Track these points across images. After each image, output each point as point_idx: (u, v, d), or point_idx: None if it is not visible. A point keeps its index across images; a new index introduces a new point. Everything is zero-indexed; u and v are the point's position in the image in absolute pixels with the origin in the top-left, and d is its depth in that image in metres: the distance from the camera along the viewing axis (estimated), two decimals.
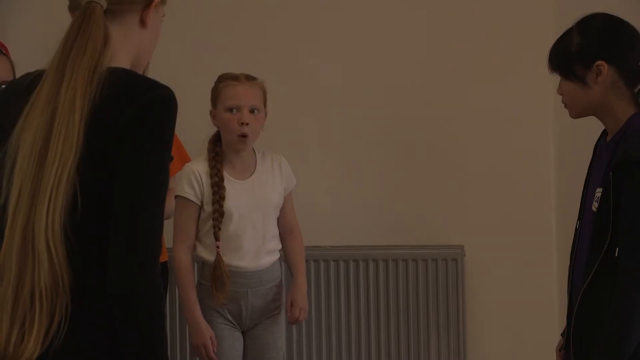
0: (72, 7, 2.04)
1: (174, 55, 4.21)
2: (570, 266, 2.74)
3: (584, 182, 2.74)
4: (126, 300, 1.88)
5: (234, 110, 3.48)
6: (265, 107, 3.54)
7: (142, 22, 2.07)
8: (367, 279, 4.16)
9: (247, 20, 4.24)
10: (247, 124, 3.46)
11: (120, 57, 2.03)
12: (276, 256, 3.58)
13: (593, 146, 2.74)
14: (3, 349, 1.86)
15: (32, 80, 2.00)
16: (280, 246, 3.61)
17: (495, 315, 4.23)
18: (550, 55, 2.66)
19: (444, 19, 4.21)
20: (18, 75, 2.35)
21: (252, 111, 3.49)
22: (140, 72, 2.11)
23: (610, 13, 2.66)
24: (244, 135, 3.48)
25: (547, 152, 4.18)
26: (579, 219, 2.73)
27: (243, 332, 3.56)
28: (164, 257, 3.65)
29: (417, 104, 4.23)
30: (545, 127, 4.17)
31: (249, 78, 3.53)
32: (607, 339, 2.49)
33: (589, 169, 2.74)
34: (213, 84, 3.57)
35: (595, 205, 2.56)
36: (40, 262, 1.86)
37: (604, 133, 2.72)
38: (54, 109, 1.91)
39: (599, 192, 2.55)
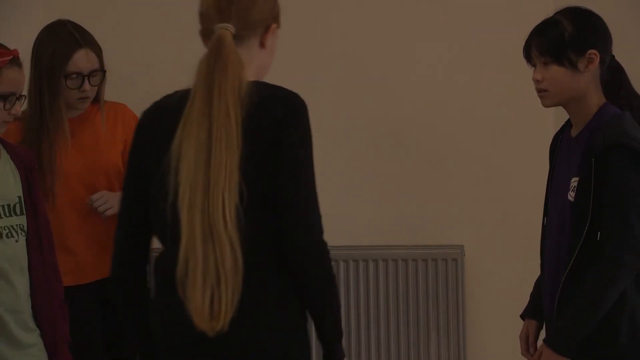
0: (205, 33, 2.38)
1: (169, 54, 4.22)
2: (542, 264, 2.87)
3: (547, 180, 2.84)
4: (311, 270, 2.30)
5: None
6: None
7: (262, 45, 2.41)
8: (367, 279, 4.16)
9: None
10: None
11: (247, 73, 2.34)
12: None
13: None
14: (201, 320, 2.21)
15: (179, 99, 2.32)
16: None
17: (495, 315, 4.23)
18: (537, 42, 2.76)
19: (443, 19, 4.21)
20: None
21: None
22: None
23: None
24: None
25: (547, 152, 4.18)
26: (545, 215, 2.79)
27: None
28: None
29: (417, 104, 4.23)
30: (545, 127, 4.17)
31: None
32: (588, 294, 2.60)
33: (551, 165, 2.82)
34: None
35: (572, 195, 2.64)
36: (222, 249, 2.21)
37: (565, 127, 2.84)
38: (210, 122, 2.24)
39: (575, 181, 2.66)
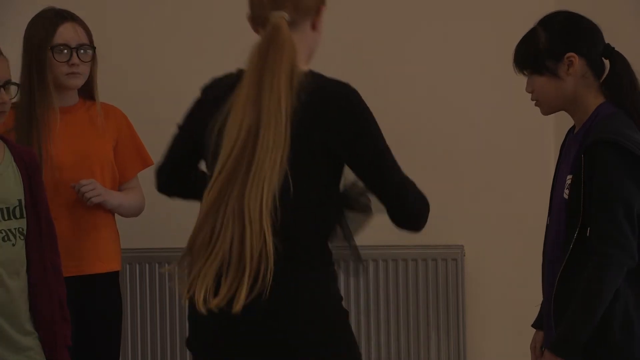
0: (257, 21, 2.41)
1: (173, 53, 4.22)
2: (542, 263, 2.84)
3: (552, 181, 2.85)
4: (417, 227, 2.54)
5: None
6: None
7: (314, 27, 2.46)
8: (367, 279, 4.16)
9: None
10: None
11: (300, 58, 2.37)
12: None
13: None
14: (204, 300, 2.25)
15: (237, 79, 2.35)
16: None
17: (495, 315, 4.23)
18: (517, 55, 2.79)
19: (444, 19, 4.21)
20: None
21: None
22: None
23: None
24: None
25: (548, 152, 4.18)
26: (548, 215, 2.80)
27: None
28: (116, 267, 3.60)
29: (417, 104, 4.23)
30: (545, 127, 4.17)
31: None
32: (582, 296, 2.62)
33: (556, 167, 2.82)
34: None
35: (566, 193, 2.65)
36: (253, 231, 2.24)
37: (571, 130, 2.84)
38: (259, 110, 2.28)
39: (569, 179, 2.68)
